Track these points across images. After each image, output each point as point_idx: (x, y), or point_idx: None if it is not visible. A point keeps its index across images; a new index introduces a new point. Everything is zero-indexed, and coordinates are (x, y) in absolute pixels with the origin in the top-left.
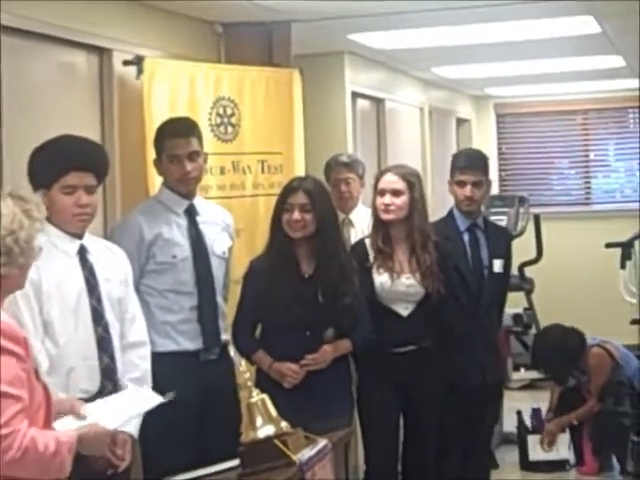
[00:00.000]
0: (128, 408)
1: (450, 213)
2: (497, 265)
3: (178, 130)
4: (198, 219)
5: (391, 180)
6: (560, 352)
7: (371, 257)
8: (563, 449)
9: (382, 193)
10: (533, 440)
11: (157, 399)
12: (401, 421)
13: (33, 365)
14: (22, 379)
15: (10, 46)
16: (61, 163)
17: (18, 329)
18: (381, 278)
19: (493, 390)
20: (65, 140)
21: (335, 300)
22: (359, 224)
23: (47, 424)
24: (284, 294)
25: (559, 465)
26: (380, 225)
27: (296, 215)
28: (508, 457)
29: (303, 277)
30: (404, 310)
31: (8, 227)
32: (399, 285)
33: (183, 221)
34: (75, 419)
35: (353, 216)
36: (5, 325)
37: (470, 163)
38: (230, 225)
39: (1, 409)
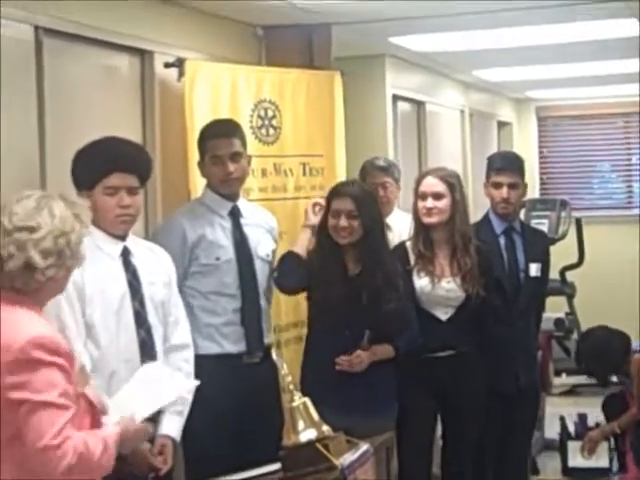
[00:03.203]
0: (156, 396)
1: (486, 216)
2: (534, 269)
3: (220, 131)
4: (242, 221)
5: (432, 183)
6: (604, 353)
7: (412, 260)
8: (603, 457)
9: (423, 197)
10: (573, 447)
11: (184, 385)
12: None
13: (75, 379)
14: (68, 391)
15: (53, 49)
16: (104, 164)
17: (60, 341)
18: (421, 282)
19: (528, 395)
20: (108, 142)
21: (378, 304)
22: (396, 228)
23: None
24: (330, 293)
25: (601, 472)
26: (421, 229)
27: (343, 222)
28: (550, 463)
29: (349, 278)
30: (444, 315)
31: (61, 228)
32: (439, 289)
33: (227, 223)
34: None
35: (390, 220)
36: (48, 338)
37: (506, 164)
38: (274, 228)
39: (50, 420)
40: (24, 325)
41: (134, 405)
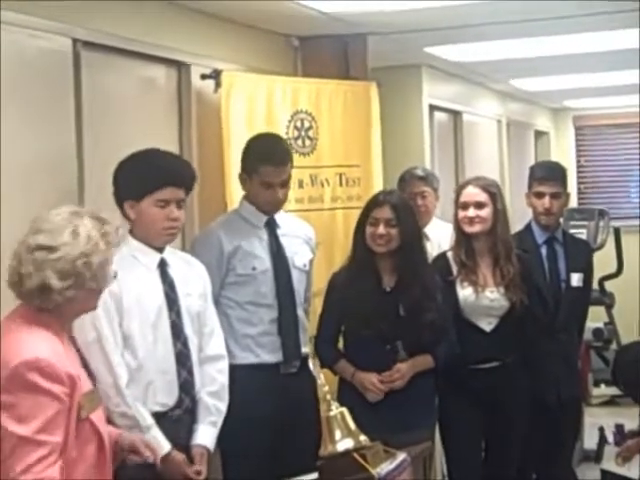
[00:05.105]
0: None
1: (528, 226)
2: (575, 279)
3: (275, 158)
4: (278, 232)
5: (473, 193)
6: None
7: (454, 270)
8: (635, 469)
9: (465, 206)
10: (609, 451)
11: None
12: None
13: (80, 401)
14: (55, 422)
15: (90, 61)
16: (157, 177)
17: (59, 366)
18: (465, 292)
19: (570, 407)
20: (157, 154)
21: (416, 315)
22: (435, 237)
23: (101, 456)
24: (365, 307)
25: None
26: (463, 238)
27: (381, 230)
28: (589, 474)
29: (384, 291)
30: (487, 325)
31: (82, 250)
32: (483, 299)
33: (264, 234)
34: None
35: (429, 229)
36: (44, 362)
37: (548, 174)
38: (312, 238)
39: (22, 455)
40: (25, 345)
41: None
